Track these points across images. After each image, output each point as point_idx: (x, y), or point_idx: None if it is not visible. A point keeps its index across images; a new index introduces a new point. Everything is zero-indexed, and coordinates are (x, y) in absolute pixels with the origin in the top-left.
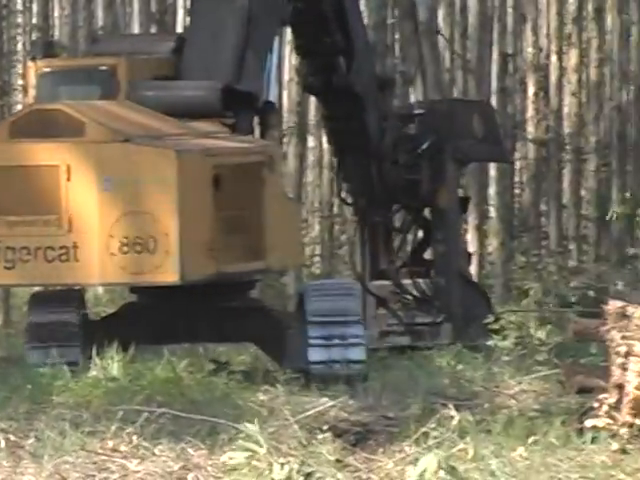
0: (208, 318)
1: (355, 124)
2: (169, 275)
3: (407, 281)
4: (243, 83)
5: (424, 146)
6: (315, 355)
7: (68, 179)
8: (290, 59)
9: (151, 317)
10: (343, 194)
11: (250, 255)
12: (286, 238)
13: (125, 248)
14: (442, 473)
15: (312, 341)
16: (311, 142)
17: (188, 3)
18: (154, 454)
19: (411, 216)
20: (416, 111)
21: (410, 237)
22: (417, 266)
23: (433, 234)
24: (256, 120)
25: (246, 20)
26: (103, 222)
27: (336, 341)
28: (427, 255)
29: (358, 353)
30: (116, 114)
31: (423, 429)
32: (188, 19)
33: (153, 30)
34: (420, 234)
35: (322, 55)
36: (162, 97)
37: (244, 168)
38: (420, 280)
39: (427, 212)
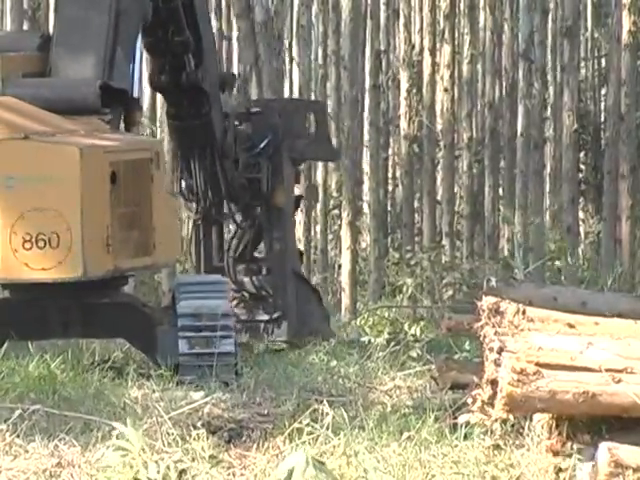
0: (80, 314)
1: (202, 122)
2: (71, 271)
3: (243, 278)
4: (116, 80)
5: (262, 145)
6: (185, 347)
7: None
8: None
9: (23, 313)
10: (185, 192)
11: (140, 251)
12: (169, 234)
13: (28, 245)
14: (311, 469)
15: (182, 333)
16: None
17: None
18: (27, 451)
19: (247, 214)
20: (252, 109)
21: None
22: (250, 263)
23: (269, 232)
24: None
25: (114, 15)
26: (6, 219)
27: (206, 333)
28: (258, 253)
29: (228, 345)
30: (8, 110)
31: (297, 425)
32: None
33: (25, 27)
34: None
35: (173, 53)
36: (40, 94)
37: (136, 164)
38: (255, 277)
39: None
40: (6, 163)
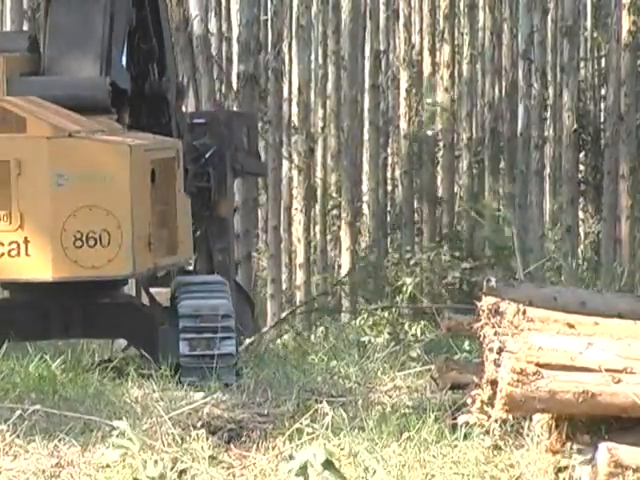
0: (80, 314)
1: (160, 132)
2: (122, 268)
3: None
4: (117, 80)
5: (207, 155)
6: (186, 349)
7: (19, 174)
8: None
9: (23, 314)
10: None
11: (170, 249)
12: (187, 233)
13: (79, 243)
14: (320, 468)
15: (183, 334)
16: None
17: None
18: (27, 451)
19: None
20: (196, 120)
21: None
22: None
23: (212, 243)
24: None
25: (109, 17)
26: (57, 218)
27: (207, 334)
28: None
29: (229, 346)
30: (40, 107)
31: (297, 426)
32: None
33: (25, 27)
34: None
35: (138, 62)
36: (48, 93)
37: (166, 163)
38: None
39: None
40: (56, 161)
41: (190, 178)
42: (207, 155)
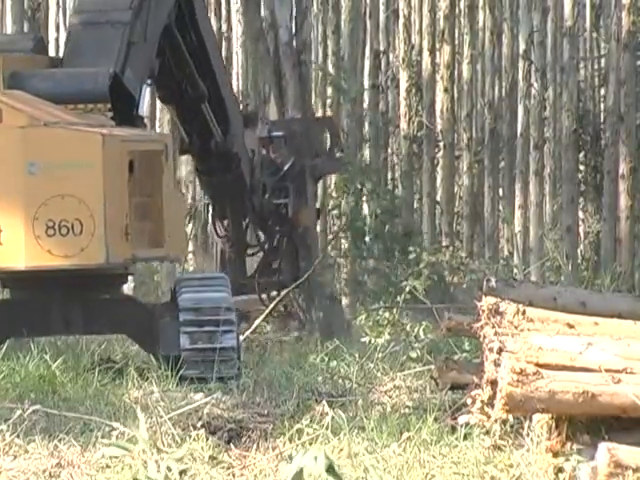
0: (81, 310)
1: (232, 176)
2: (94, 257)
3: (270, 295)
4: (125, 84)
5: (285, 167)
6: (187, 342)
7: None
8: None
9: (24, 310)
10: (218, 230)
11: (154, 242)
12: (177, 227)
13: (51, 231)
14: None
15: (184, 328)
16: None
17: (60, 0)
18: (27, 451)
19: (270, 236)
20: (274, 133)
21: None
22: (275, 281)
23: (295, 251)
24: None
25: (127, 42)
26: (28, 206)
27: (208, 328)
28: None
29: (229, 339)
30: (20, 102)
31: (297, 426)
32: (62, 20)
33: (25, 27)
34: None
35: (188, 106)
36: (47, 85)
37: (149, 155)
38: (276, 293)
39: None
40: (28, 149)
41: (268, 194)
42: (285, 168)
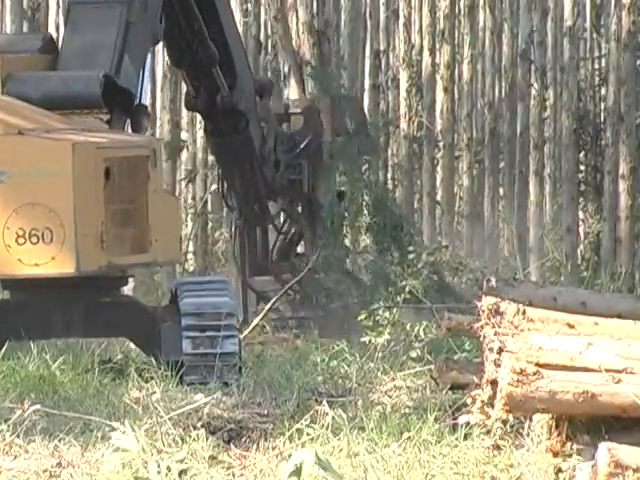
0: (81, 313)
1: (240, 138)
2: (65, 266)
3: (287, 276)
4: (121, 79)
5: (302, 145)
6: (188, 347)
7: None
8: (163, 55)
9: (24, 313)
10: (229, 201)
11: (137, 248)
12: (168, 233)
13: (21, 240)
14: (316, 468)
15: (185, 333)
16: (184, 137)
17: (60, 0)
18: (27, 451)
19: (288, 214)
20: (292, 110)
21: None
22: (293, 261)
23: (312, 230)
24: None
25: (124, 25)
26: None
27: (210, 333)
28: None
29: (231, 345)
30: (7, 109)
31: (297, 426)
32: (62, 20)
33: (24, 27)
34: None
35: (200, 67)
36: (41, 88)
37: (131, 161)
38: (296, 274)
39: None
40: None
41: (282, 170)
42: (302, 145)
